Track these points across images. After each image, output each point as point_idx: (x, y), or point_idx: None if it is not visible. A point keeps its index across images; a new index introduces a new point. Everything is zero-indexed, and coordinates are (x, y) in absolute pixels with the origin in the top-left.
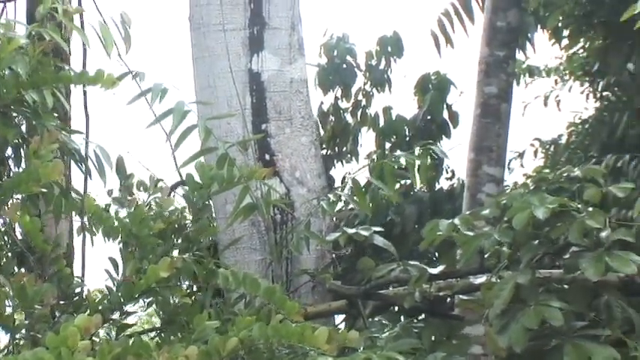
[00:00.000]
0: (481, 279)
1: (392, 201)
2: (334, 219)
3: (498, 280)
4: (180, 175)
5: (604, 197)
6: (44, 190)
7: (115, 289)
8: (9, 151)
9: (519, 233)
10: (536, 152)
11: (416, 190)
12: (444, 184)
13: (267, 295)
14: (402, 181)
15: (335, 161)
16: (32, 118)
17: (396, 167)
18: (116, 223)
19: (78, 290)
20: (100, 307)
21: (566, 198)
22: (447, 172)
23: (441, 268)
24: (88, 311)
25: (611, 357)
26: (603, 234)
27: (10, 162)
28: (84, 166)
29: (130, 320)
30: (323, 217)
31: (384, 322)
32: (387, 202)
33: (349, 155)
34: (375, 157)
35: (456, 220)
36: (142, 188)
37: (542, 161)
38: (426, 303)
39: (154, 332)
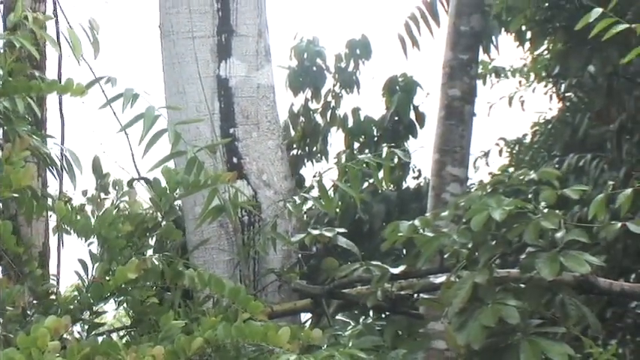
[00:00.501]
0: (441, 278)
1: (359, 200)
2: (305, 217)
3: (457, 280)
4: (147, 180)
5: (559, 199)
6: (15, 195)
7: (84, 289)
8: None
9: (477, 234)
10: (501, 151)
11: (383, 189)
12: (410, 183)
13: (231, 296)
14: (370, 180)
15: (305, 160)
16: (4, 125)
17: (360, 170)
18: (84, 225)
19: (50, 290)
20: (70, 307)
21: (522, 200)
22: (414, 172)
23: (402, 268)
24: (59, 311)
25: (566, 354)
26: (558, 235)
27: None
28: (55, 169)
29: (102, 319)
30: (289, 219)
31: (347, 320)
32: (355, 200)
33: (319, 155)
34: (343, 156)
35: (416, 222)
36: (117, 187)
37: (507, 160)
38: (388, 302)
39: (123, 331)
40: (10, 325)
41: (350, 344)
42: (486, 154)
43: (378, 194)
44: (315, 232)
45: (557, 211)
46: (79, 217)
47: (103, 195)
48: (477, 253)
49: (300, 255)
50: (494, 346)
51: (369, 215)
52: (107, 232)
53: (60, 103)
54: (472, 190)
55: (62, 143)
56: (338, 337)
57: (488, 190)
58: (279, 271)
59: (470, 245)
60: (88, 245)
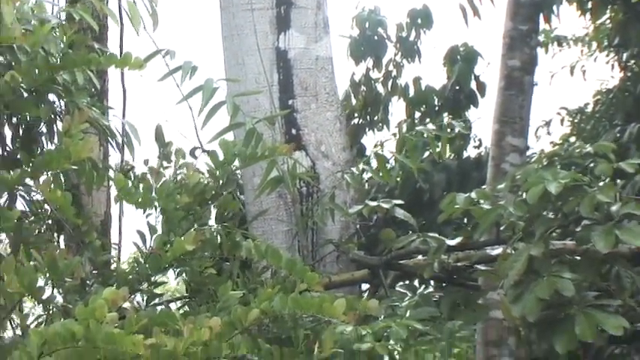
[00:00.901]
0: (498, 250)
1: (419, 170)
2: (366, 186)
3: (513, 252)
4: (207, 151)
5: (617, 171)
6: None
7: (142, 260)
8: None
9: (533, 207)
10: (562, 121)
11: (444, 159)
12: (471, 152)
13: (288, 267)
14: (431, 150)
15: (366, 130)
16: (64, 97)
17: (418, 141)
18: (142, 197)
19: (110, 261)
20: (129, 278)
21: (579, 173)
22: (475, 141)
23: (458, 239)
24: (118, 282)
25: (621, 326)
26: (614, 208)
27: (43, 139)
28: (114, 140)
29: (161, 289)
30: (347, 190)
31: (404, 291)
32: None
33: (380, 124)
34: (404, 125)
35: (473, 194)
36: (179, 156)
37: (568, 129)
38: (444, 273)
39: (182, 301)
40: (69, 296)
41: (407, 315)
42: (548, 124)
43: (439, 163)
44: (373, 203)
45: (613, 184)
46: (137, 189)
47: (165, 163)
48: (533, 226)
49: (358, 226)
50: (549, 318)
51: (429, 184)
52: (165, 203)
53: (122, 76)
54: (532, 159)
55: (123, 116)
56: (395, 308)
57: (545, 163)
58: (337, 241)
59: (526, 218)
60: (147, 216)
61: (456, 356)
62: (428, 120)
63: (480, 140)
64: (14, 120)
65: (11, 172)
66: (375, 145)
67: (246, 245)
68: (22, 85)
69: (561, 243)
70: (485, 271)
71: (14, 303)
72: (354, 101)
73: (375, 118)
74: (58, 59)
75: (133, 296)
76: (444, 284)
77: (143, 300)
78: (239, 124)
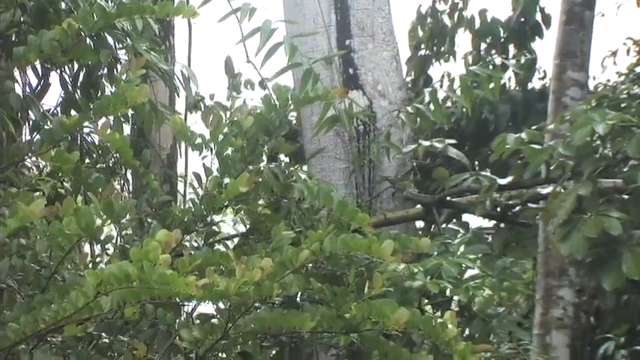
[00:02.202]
0: (548, 189)
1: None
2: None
3: (563, 190)
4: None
5: None
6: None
7: (198, 202)
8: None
9: (581, 147)
10: (628, 51)
11: (510, 90)
12: (536, 83)
13: (339, 208)
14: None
15: (433, 61)
16: (122, 43)
17: (472, 80)
18: (199, 140)
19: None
20: (185, 219)
21: (627, 114)
22: (539, 73)
23: (509, 178)
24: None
25: None
26: None
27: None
28: (173, 83)
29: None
30: (403, 128)
31: (457, 228)
32: (481, 101)
33: (447, 55)
34: (470, 57)
35: (523, 135)
36: (249, 87)
37: (634, 59)
38: (496, 211)
39: (239, 239)
40: (127, 237)
41: (459, 252)
42: (614, 54)
43: (504, 95)
44: (426, 143)
45: None
46: (192, 133)
47: (234, 94)
48: (581, 166)
49: (414, 164)
50: (597, 256)
51: (494, 115)
52: (220, 146)
53: (189, 23)
54: (599, 90)
55: (189, 61)
56: (448, 246)
57: (594, 104)
58: (393, 179)
59: (575, 157)
60: (202, 158)
61: (506, 290)
62: (494, 51)
63: (544, 72)
64: (75, 65)
65: (70, 117)
66: (442, 77)
67: (298, 187)
68: (82, 31)
69: (610, 181)
70: (536, 208)
71: (73, 244)
72: (420, 33)
73: (442, 49)
74: (115, 7)
75: (187, 236)
76: (495, 222)
77: (201, 239)
78: (297, 64)
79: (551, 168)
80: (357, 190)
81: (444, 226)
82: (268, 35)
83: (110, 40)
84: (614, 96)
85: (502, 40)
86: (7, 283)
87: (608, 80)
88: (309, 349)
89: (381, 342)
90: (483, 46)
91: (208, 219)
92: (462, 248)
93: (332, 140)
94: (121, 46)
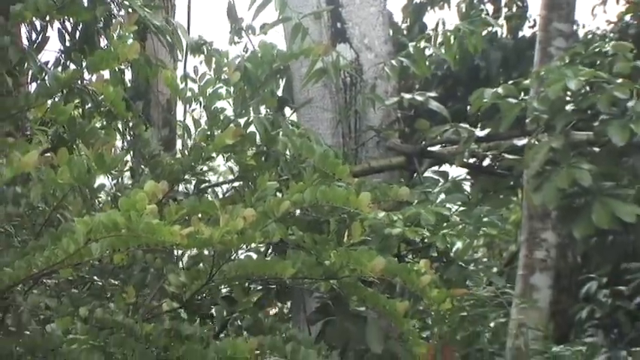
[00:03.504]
0: (523, 141)
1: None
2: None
3: (537, 143)
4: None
5: (633, 70)
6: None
7: (186, 152)
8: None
9: (555, 102)
10: (618, 0)
11: (501, 37)
12: (527, 32)
13: (321, 160)
14: (489, 29)
15: (428, 8)
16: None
17: (454, 36)
18: (189, 94)
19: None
20: (173, 169)
21: (598, 70)
22: (530, 22)
23: (486, 131)
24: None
25: (634, 213)
26: (630, 103)
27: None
28: (165, 38)
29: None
30: (388, 80)
31: (437, 177)
32: (474, 48)
33: (441, 2)
34: (463, 5)
35: (500, 89)
36: (250, 31)
37: (624, 7)
38: (475, 161)
39: (227, 185)
40: (118, 185)
41: (438, 201)
42: (604, 2)
43: (496, 42)
44: (408, 96)
45: (630, 81)
46: (184, 86)
47: (236, 39)
48: (554, 120)
49: (399, 114)
50: (569, 207)
51: (486, 62)
52: (208, 100)
53: None
54: (589, 37)
55: (189, 18)
56: (428, 195)
57: (567, 61)
58: (378, 128)
59: (549, 112)
60: (192, 111)
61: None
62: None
63: (534, 20)
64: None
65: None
66: (436, 24)
67: (282, 139)
68: None
69: (583, 134)
70: (512, 159)
71: (65, 192)
72: None
73: None
74: None
75: (176, 186)
76: (474, 172)
77: (192, 187)
78: (287, 19)
79: (527, 121)
80: (343, 139)
81: (425, 175)
82: None
83: None
84: (586, 53)
85: None
86: (4, 228)
87: (598, 28)
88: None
89: (360, 288)
90: None
91: (197, 169)
92: (441, 197)
93: (320, 91)
94: (116, 2)
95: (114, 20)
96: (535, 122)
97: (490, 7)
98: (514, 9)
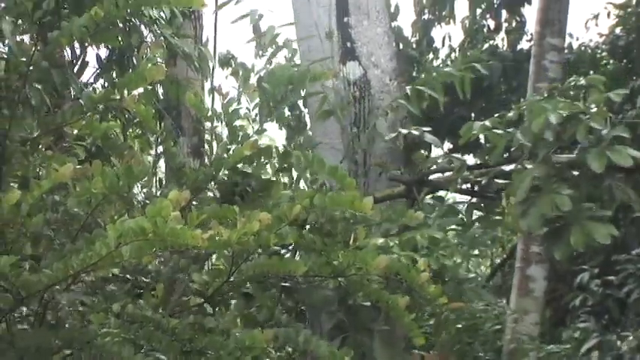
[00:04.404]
0: (510, 167)
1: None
2: None
3: (523, 167)
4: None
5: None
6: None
7: (209, 164)
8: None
9: (537, 134)
10: (609, 14)
11: (502, 50)
12: (525, 45)
13: (330, 174)
14: (490, 42)
15: (435, 24)
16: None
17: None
18: (210, 113)
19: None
20: (197, 179)
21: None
22: (527, 35)
23: (476, 160)
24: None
25: (609, 235)
26: (604, 131)
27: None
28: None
29: None
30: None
31: (434, 202)
32: (477, 61)
33: (447, 18)
34: (467, 21)
35: (487, 122)
36: (274, 45)
37: (614, 21)
38: (468, 187)
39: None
40: (147, 193)
41: (434, 224)
42: (596, 17)
43: (497, 54)
44: (404, 131)
45: (604, 111)
46: (204, 104)
47: (261, 52)
48: (537, 148)
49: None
50: (552, 230)
51: (488, 72)
52: (229, 117)
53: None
54: (582, 48)
55: (215, 44)
56: (426, 219)
57: (545, 95)
58: (381, 162)
59: (532, 141)
60: (214, 129)
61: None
62: (488, 16)
63: (532, 35)
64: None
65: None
66: (443, 39)
67: (295, 154)
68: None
69: (565, 157)
70: (501, 183)
71: (99, 200)
72: (424, 0)
73: (443, 13)
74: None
75: (199, 195)
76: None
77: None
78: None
79: (512, 150)
80: (353, 147)
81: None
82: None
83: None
84: (562, 87)
85: (495, 5)
86: (45, 234)
87: (590, 40)
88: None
89: (365, 284)
90: (479, 11)
91: (217, 178)
92: (438, 221)
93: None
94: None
95: (143, 44)
96: (520, 150)
97: (492, 22)
98: (513, 24)
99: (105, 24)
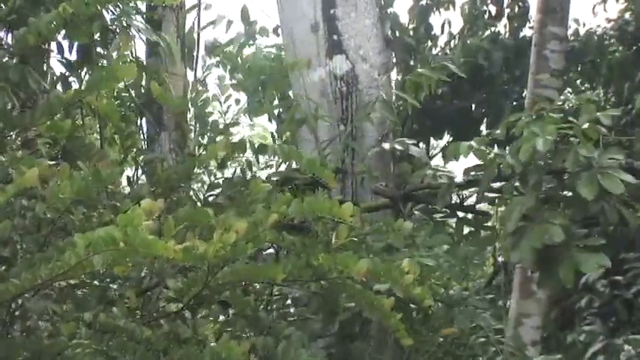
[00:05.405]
0: (499, 183)
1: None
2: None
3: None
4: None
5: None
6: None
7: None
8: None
9: (526, 162)
10: None
11: (503, 38)
12: (528, 32)
13: (308, 166)
14: (492, 28)
15: (434, 10)
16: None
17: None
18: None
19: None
20: (170, 177)
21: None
22: (531, 22)
23: (464, 177)
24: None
25: (597, 265)
26: (595, 157)
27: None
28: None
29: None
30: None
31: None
32: (477, 48)
33: (446, 4)
34: (466, 6)
35: (473, 142)
36: (263, 33)
37: (623, 6)
38: (456, 203)
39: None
40: (117, 195)
41: (423, 244)
42: (604, 1)
43: (498, 43)
44: (387, 145)
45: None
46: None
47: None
48: (527, 174)
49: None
50: (542, 260)
51: (488, 62)
52: (198, 110)
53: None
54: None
55: (199, 25)
56: (414, 238)
57: (534, 117)
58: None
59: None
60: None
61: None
62: (489, 1)
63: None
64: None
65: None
66: (442, 25)
67: (271, 146)
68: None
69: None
70: (491, 197)
71: (67, 205)
72: None
73: None
74: None
75: (173, 195)
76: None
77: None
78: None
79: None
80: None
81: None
82: None
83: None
84: (551, 107)
85: None
86: (12, 239)
87: (598, 26)
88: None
89: (348, 285)
90: None
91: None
92: (426, 242)
93: (318, 100)
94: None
95: (114, 39)
96: (510, 168)
97: (493, 8)
98: (516, 10)
99: (74, 20)
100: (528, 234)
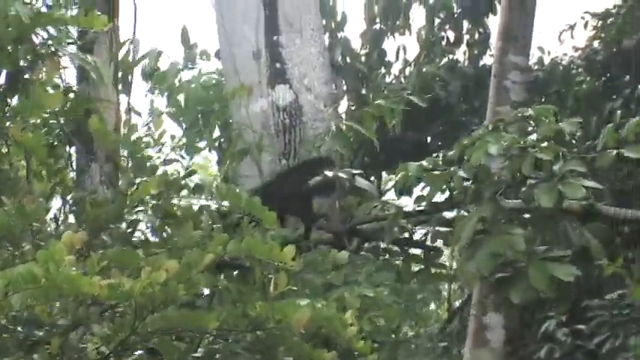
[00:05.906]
0: (452, 213)
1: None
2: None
3: (467, 214)
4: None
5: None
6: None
7: (112, 201)
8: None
9: (480, 170)
10: (586, 25)
11: (460, 66)
12: (488, 60)
13: (247, 207)
14: (450, 56)
15: (387, 35)
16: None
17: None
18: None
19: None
20: (98, 217)
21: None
22: (491, 50)
23: (413, 206)
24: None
25: (572, 274)
26: (556, 166)
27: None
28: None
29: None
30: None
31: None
32: (433, 77)
33: (402, 29)
34: (423, 32)
35: (424, 162)
36: (204, 57)
37: (592, 33)
38: (404, 237)
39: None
40: (42, 234)
41: (363, 283)
42: (572, 27)
43: (456, 71)
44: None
45: (554, 144)
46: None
47: (190, 65)
48: (482, 188)
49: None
50: (505, 278)
51: (445, 91)
52: (132, 148)
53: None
54: (558, 61)
55: (133, 43)
56: (357, 275)
57: (490, 129)
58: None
59: (475, 180)
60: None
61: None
62: (447, 26)
63: None
64: None
65: None
66: (397, 51)
67: (207, 186)
68: None
69: (512, 202)
70: (443, 232)
71: None
72: (376, 8)
73: (397, 23)
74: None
75: (102, 235)
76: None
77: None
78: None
79: (455, 193)
80: None
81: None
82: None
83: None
84: (508, 120)
85: (456, 15)
86: None
87: (565, 54)
88: None
89: (286, 338)
90: (437, 21)
91: (123, 217)
92: (370, 278)
93: (259, 133)
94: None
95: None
96: (463, 193)
97: (451, 34)
98: (476, 36)
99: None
100: (485, 245)
